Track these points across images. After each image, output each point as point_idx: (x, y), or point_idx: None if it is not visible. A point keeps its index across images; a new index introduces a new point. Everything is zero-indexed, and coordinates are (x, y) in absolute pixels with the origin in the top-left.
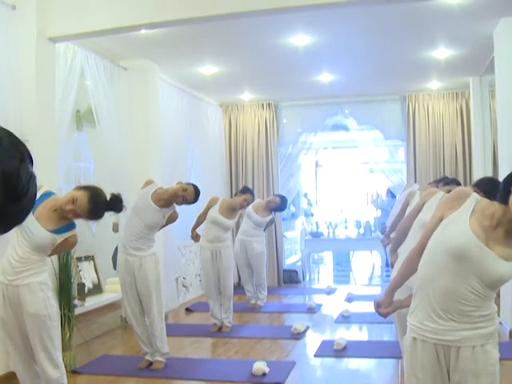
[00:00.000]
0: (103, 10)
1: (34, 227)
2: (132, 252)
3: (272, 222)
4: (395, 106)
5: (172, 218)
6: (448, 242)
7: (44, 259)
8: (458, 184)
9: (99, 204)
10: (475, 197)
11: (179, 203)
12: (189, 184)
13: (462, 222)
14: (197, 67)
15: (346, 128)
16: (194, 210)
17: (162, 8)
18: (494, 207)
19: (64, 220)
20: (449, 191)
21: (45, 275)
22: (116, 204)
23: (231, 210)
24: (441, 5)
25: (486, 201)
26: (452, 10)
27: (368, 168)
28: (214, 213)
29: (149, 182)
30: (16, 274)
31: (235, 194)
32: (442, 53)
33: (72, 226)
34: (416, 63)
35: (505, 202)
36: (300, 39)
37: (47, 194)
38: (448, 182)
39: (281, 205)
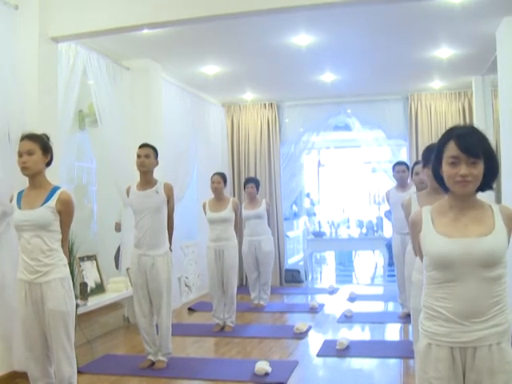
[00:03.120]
0: (105, 9)
1: (27, 214)
2: (146, 252)
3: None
4: (398, 106)
5: (169, 190)
6: (429, 258)
7: (60, 249)
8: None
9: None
10: (426, 209)
11: (143, 167)
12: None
13: (430, 234)
14: (199, 67)
15: (348, 128)
16: (196, 210)
17: (164, 8)
18: (443, 200)
19: (43, 190)
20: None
21: (66, 271)
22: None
23: (217, 202)
24: (443, 4)
25: (437, 203)
26: (454, 10)
27: (370, 168)
28: (207, 213)
29: (128, 189)
30: (36, 273)
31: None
32: (445, 52)
33: (55, 189)
34: (418, 63)
35: (441, 185)
36: (302, 39)
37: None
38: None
39: (256, 183)
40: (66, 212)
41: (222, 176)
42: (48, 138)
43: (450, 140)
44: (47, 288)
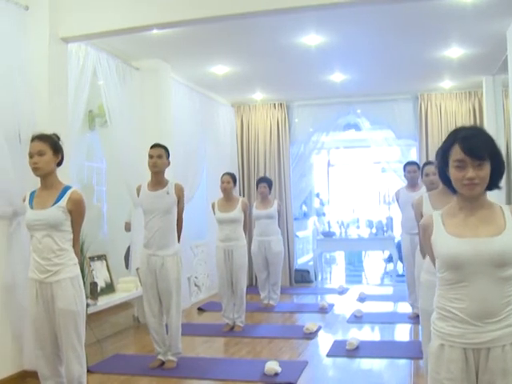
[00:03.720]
0: (115, 10)
1: (38, 214)
2: (156, 252)
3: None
4: (407, 106)
5: (180, 191)
6: (442, 259)
7: (71, 248)
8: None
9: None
10: (437, 213)
11: (155, 168)
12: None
13: (441, 236)
14: (209, 67)
15: (358, 127)
16: (206, 210)
17: (174, 8)
18: (452, 202)
19: (55, 190)
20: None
21: (76, 270)
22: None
23: (227, 202)
24: (454, 3)
25: (447, 207)
26: (465, 9)
27: (380, 168)
28: (216, 214)
29: (138, 188)
30: (47, 272)
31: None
32: (455, 52)
33: (67, 188)
34: (428, 62)
35: (448, 187)
36: (312, 39)
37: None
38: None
39: (268, 183)
40: (76, 212)
41: (232, 176)
42: (58, 138)
43: (455, 143)
44: (57, 287)
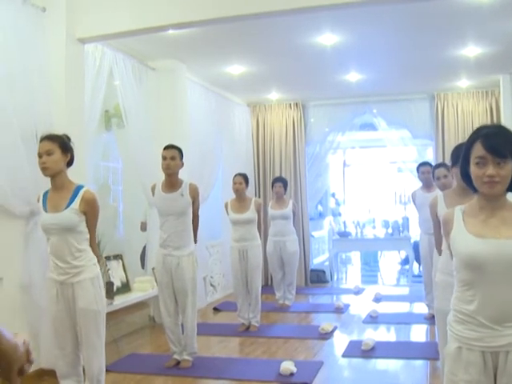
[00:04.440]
0: (131, 10)
1: (53, 217)
2: (172, 252)
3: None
4: (424, 105)
5: (194, 191)
6: (460, 259)
7: (88, 248)
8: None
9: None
10: (459, 208)
11: (169, 170)
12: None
13: (460, 233)
14: (224, 67)
15: (373, 127)
16: (221, 210)
17: (190, 8)
18: (473, 201)
19: (67, 191)
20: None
21: (96, 270)
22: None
23: (240, 203)
24: (470, 2)
25: (468, 204)
26: (482, 7)
27: (396, 167)
28: (230, 215)
29: (153, 187)
30: (67, 274)
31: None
32: (472, 51)
33: (79, 188)
34: (445, 61)
35: (469, 185)
36: (327, 38)
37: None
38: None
39: (284, 183)
40: (90, 212)
41: (244, 177)
42: (69, 139)
43: (477, 140)
44: (78, 287)
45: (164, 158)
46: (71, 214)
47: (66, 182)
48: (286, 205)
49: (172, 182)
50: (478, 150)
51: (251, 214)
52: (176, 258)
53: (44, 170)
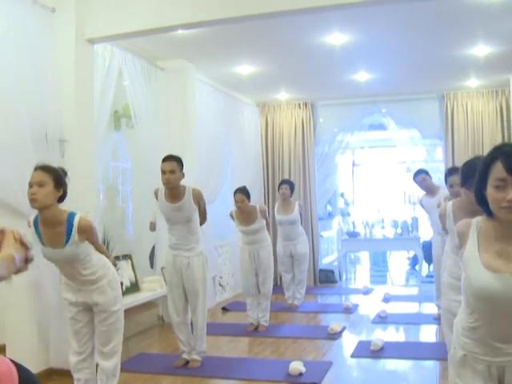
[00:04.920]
0: (140, 10)
1: (53, 252)
2: (182, 253)
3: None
4: (433, 105)
5: (198, 196)
6: (471, 289)
7: (95, 258)
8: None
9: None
10: (475, 223)
11: (169, 184)
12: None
13: (475, 264)
14: (233, 67)
15: (383, 127)
16: (230, 210)
17: (199, 8)
18: (489, 223)
19: (60, 225)
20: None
21: (110, 272)
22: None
23: (245, 215)
24: (480, 0)
25: (484, 224)
26: (491, 6)
27: (405, 167)
28: (238, 226)
29: (156, 192)
30: (81, 290)
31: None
32: (481, 50)
33: (71, 219)
34: (454, 61)
35: (485, 209)
36: (336, 38)
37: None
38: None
39: (290, 185)
40: (90, 236)
41: (244, 192)
42: (65, 173)
43: (497, 159)
44: (97, 292)
45: (163, 172)
46: (73, 249)
47: (57, 213)
48: (291, 208)
49: (174, 194)
50: (499, 170)
51: (258, 223)
52: (186, 258)
53: (32, 201)
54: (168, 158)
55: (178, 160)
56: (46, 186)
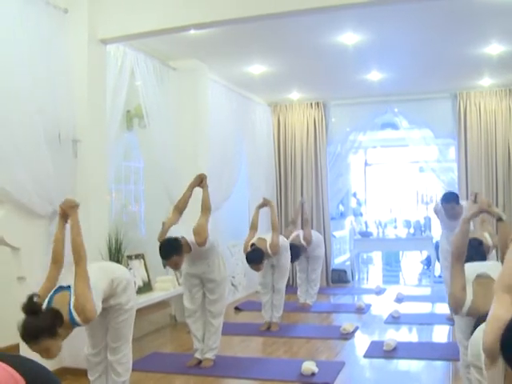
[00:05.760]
0: (153, 11)
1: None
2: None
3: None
4: (446, 104)
5: (201, 235)
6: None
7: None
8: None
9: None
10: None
11: (177, 269)
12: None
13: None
14: (245, 67)
15: (395, 127)
16: (243, 210)
17: (211, 8)
18: None
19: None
20: None
21: (123, 276)
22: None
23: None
24: None
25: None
26: (504, 5)
27: (418, 167)
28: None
29: (163, 224)
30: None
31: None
32: (495, 49)
33: (70, 312)
34: (467, 60)
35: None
36: (349, 37)
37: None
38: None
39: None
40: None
41: (257, 260)
42: (56, 316)
43: None
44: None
45: (164, 266)
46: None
47: (64, 313)
48: (309, 240)
49: (191, 257)
50: None
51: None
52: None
53: (51, 359)
54: (164, 253)
55: (173, 251)
56: (49, 346)
